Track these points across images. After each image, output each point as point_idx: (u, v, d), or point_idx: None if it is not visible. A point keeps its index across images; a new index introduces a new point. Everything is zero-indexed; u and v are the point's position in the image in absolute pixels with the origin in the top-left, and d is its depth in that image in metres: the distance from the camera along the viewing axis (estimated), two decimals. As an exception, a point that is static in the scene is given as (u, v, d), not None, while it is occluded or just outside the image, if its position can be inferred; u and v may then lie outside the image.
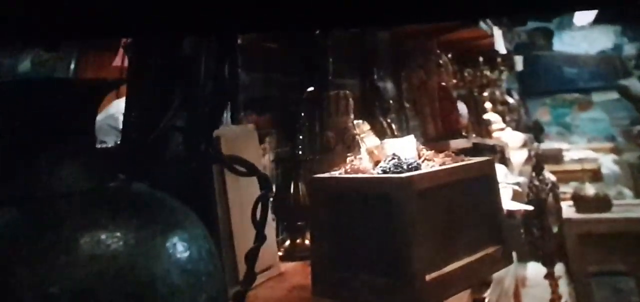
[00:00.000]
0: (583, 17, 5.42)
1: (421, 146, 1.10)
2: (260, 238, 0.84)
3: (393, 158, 0.95)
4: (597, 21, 5.59)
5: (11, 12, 0.65)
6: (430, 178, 0.90)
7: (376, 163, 1.02)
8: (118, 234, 0.62)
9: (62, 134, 0.69)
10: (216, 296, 0.70)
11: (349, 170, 0.99)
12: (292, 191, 1.27)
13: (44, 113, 0.67)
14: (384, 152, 1.04)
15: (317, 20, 0.77)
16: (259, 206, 0.85)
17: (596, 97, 5.99)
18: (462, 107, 2.77)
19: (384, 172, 0.94)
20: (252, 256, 0.83)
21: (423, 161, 1.01)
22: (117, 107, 1.55)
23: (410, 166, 0.93)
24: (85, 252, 0.59)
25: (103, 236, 0.60)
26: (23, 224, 0.60)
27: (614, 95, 5.72)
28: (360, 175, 0.96)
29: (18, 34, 0.76)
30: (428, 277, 0.85)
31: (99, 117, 1.75)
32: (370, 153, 1.05)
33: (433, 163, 0.99)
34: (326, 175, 1.01)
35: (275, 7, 0.67)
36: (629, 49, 5.90)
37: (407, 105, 2.42)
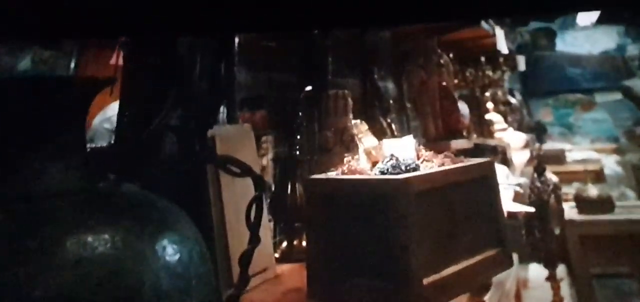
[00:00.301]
0: (586, 17, 5.39)
1: (420, 147, 1.09)
2: (255, 240, 0.82)
3: (391, 159, 0.94)
4: (600, 21, 5.57)
5: (11, 9, 0.64)
6: (428, 179, 0.88)
7: (374, 164, 1.00)
8: (105, 236, 0.60)
9: (50, 133, 0.67)
10: (207, 300, 0.68)
11: (346, 171, 0.98)
12: (289, 191, 1.25)
13: (31, 112, 0.66)
14: (382, 152, 1.02)
15: (316, 20, 0.75)
16: (254, 207, 0.84)
17: (599, 97, 5.97)
18: (463, 107, 2.75)
19: (382, 173, 0.92)
20: (245, 259, 0.81)
21: (422, 162, 0.99)
22: (114, 110, 1.53)
23: (408, 167, 0.92)
24: (71, 255, 0.57)
25: (89, 238, 0.59)
26: (6, 225, 0.59)
27: (617, 95, 5.69)
28: (357, 176, 0.94)
29: (18, 32, 0.75)
30: (426, 281, 0.83)
31: (96, 120, 1.73)
32: (368, 154, 1.04)
33: (432, 164, 0.98)
34: (322, 176, 0.99)
35: (275, 7, 0.66)
36: (632, 50, 5.88)
37: (408, 105, 2.40)
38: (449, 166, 0.96)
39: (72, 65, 1.82)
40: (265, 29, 1.21)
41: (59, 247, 0.57)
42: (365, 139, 1.15)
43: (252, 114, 1.34)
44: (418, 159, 1.00)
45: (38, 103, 0.66)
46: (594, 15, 5.05)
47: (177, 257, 0.64)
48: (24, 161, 0.65)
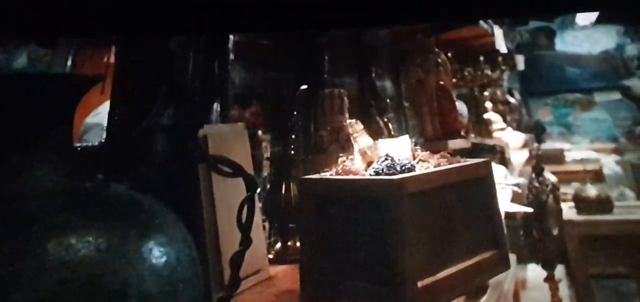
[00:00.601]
0: (585, 17, 5.38)
1: (416, 147, 1.07)
2: (246, 242, 0.81)
3: (386, 159, 0.92)
4: (599, 21, 5.55)
5: (7, 8, 0.62)
6: (423, 180, 0.87)
7: (369, 164, 0.98)
8: (89, 238, 0.58)
9: (35, 132, 0.66)
10: (195, 303, 0.66)
11: (340, 171, 0.96)
12: (283, 191, 1.23)
13: (16, 109, 0.64)
14: (377, 152, 1.01)
15: (314, 20, 0.74)
16: (245, 208, 0.82)
17: (598, 97, 5.96)
18: (462, 107, 2.74)
19: (376, 173, 0.90)
20: (236, 260, 0.80)
21: (417, 162, 0.97)
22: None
23: (403, 168, 0.90)
24: (53, 257, 0.55)
25: (73, 240, 0.57)
26: (-13, 227, 0.57)
27: (616, 95, 5.69)
28: (350, 176, 0.92)
29: (14, 30, 0.74)
30: (420, 284, 0.81)
31: (89, 119, 1.72)
32: (363, 154, 1.02)
33: (428, 164, 0.96)
34: (315, 176, 0.97)
35: (273, 7, 0.65)
36: (632, 49, 5.87)
37: (406, 104, 2.39)
38: (444, 167, 0.94)
39: (69, 63, 1.81)
40: (263, 29, 1.19)
41: (40, 249, 0.55)
42: (361, 138, 1.14)
43: (242, 111, 1.32)
44: (414, 159, 0.99)
45: (21, 101, 0.64)
46: (593, 15, 5.04)
47: (163, 259, 0.62)
48: (7, 160, 0.63)
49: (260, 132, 1.39)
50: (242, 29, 1.17)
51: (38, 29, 0.76)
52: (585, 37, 6.08)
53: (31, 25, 0.70)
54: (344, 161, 0.98)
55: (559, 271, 2.66)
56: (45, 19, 0.67)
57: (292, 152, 1.28)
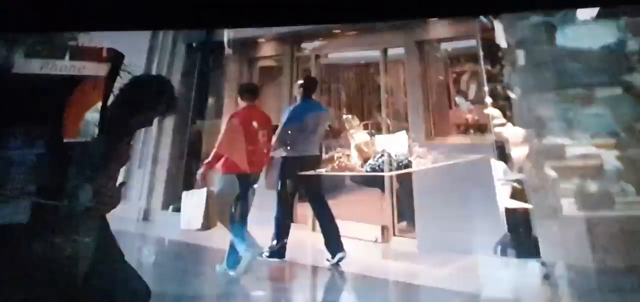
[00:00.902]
0: (586, 12, 5.36)
1: (414, 143, 1.06)
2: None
3: (382, 155, 0.91)
4: (600, 16, 5.53)
5: (6, 2, 0.62)
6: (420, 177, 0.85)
7: (365, 160, 0.97)
8: (76, 237, 0.57)
9: (24, 128, 0.65)
10: None
11: (336, 167, 0.94)
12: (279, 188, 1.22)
13: (4, 105, 0.63)
14: (374, 148, 0.99)
15: (313, 17, 0.73)
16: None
17: (599, 92, 5.93)
18: (461, 102, 2.72)
19: (373, 169, 0.89)
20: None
21: (415, 158, 0.96)
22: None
23: (400, 164, 0.88)
24: (38, 256, 0.54)
25: (58, 239, 0.56)
26: (-30, 226, 0.56)
27: (617, 91, 5.66)
28: (347, 173, 0.91)
29: (13, 24, 0.73)
30: (417, 282, 0.80)
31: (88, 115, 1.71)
32: (359, 149, 1.01)
33: (425, 160, 0.94)
34: (311, 172, 0.96)
35: (273, 4, 0.64)
36: (633, 45, 5.83)
37: (405, 99, 2.38)
38: (442, 163, 0.93)
39: (67, 58, 1.81)
40: (261, 26, 1.18)
41: (25, 248, 0.54)
42: (357, 134, 1.12)
43: (236, 105, 1.31)
44: (411, 154, 0.97)
45: (10, 97, 0.63)
46: (594, 10, 5.01)
47: (152, 258, 0.61)
48: (-7, 157, 0.62)
49: (255, 123, 1.38)
50: (240, 26, 1.17)
51: (36, 24, 0.75)
52: (586, 32, 6.05)
53: (29, 20, 0.69)
54: (340, 157, 0.97)
55: (559, 266, 2.65)
56: (43, 14, 0.66)
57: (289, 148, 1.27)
